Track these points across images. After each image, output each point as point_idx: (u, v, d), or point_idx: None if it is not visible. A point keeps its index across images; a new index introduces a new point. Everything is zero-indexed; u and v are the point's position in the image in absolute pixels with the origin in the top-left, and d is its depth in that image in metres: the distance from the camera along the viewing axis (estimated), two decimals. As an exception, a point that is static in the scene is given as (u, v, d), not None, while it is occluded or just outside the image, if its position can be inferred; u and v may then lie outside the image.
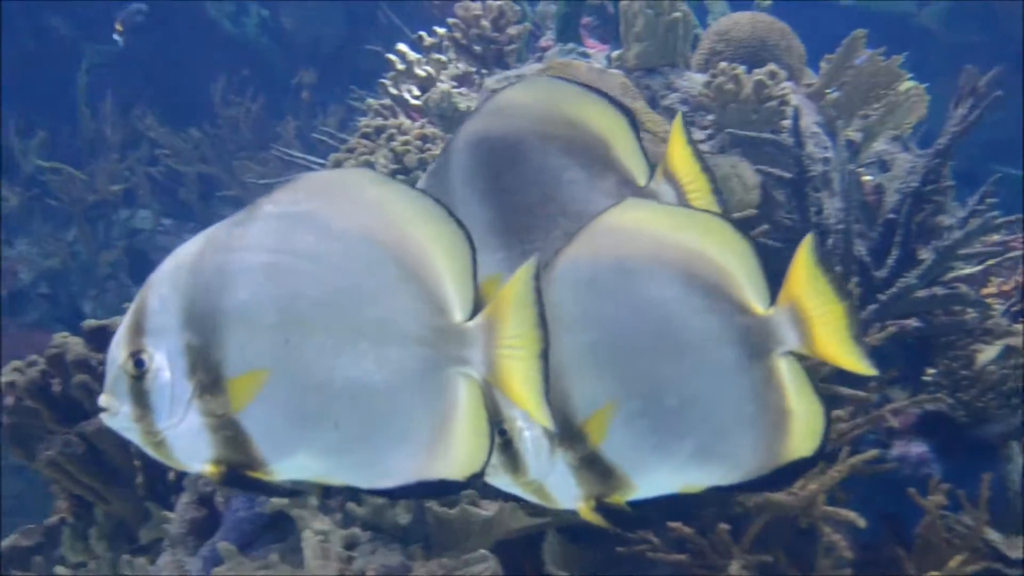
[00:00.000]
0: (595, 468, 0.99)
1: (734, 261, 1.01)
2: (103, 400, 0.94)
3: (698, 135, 1.94)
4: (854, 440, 1.64)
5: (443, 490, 0.96)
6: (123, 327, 0.93)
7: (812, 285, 1.00)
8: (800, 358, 1.01)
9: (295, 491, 0.98)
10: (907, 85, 2.05)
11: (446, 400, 0.95)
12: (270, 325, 0.92)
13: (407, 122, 1.83)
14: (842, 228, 1.76)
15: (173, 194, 4.24)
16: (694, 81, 2.00)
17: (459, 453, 0.95)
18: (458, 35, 2.14)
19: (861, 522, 1.54)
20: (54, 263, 4.14)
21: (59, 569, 2.16)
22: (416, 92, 2.11)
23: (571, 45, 2.19)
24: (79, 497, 1.99)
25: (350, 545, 1.68)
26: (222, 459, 0.94)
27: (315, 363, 0.93)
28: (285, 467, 0.95)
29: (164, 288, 0.93)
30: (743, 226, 1.05)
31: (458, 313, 0.95)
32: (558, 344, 0.96)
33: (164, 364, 0.93)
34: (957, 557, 1.57)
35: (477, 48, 2.14)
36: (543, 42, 2.32)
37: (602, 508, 1.00)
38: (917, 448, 1.80)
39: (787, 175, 1.83)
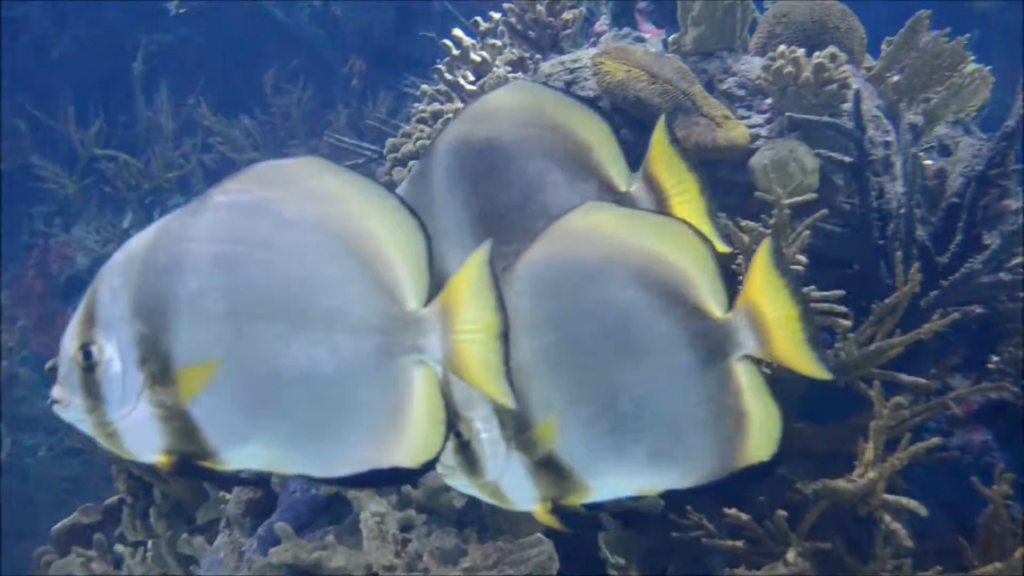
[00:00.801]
0: (551, 470, 0.99)
1: (692, 265, 1.01)
2: (55, 392, 0.94)
3: (756, 119, 1.91)
4: (915, 428, 1.61)
5: (396, 478, 0.97)
6: (74, 319, 0.94)
7: (769, 290, 1.00)
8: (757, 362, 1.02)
9: (246, 480, 0.98)
10: (971, 67, 2.00)
11: (400, 388, 0.95)
12: (221, 315, 0.92)
13: (461, 106, 1.83)
14: (904, 212, 1.73)
15: (226, 182, 4.28)
16: (752, 65, 1.98)
17: (413, 441, 0.95)
18: (513, 20, 2.13)
19: (922, 510, 1.51)
20: (110, 249, 4.19)
21: (119, 547, 2.19)
22: (471, 77, 2.11)
23: (626, 30, 2.17)
24: (138, 478, 2.02)
25: (405, 527, 1.69)
26: (173, 449, 0.94)
27: (266, 352, 0.92)
28: (237, 456, 0.95)
29: (115, 280, 0.93)
30: (701, 231, 1.03)
31: (412, 301, 0.95)
32: (516, 345, 0.96)
33: (115, 355, 0.93)
34: (1022, 549, 1.54)
35: (532, 33, 2.12)
36: (597, 27, 2.30)
37: (558, 510, 1.01)
38: (979, 436, 1.76)
39: (847, 159, 1.80)
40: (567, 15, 2.12)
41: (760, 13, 2.15)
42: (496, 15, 2.15)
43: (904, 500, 1.55)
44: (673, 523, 1.67)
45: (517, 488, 1.00)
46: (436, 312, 0.94)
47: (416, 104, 2.20)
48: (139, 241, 0.93)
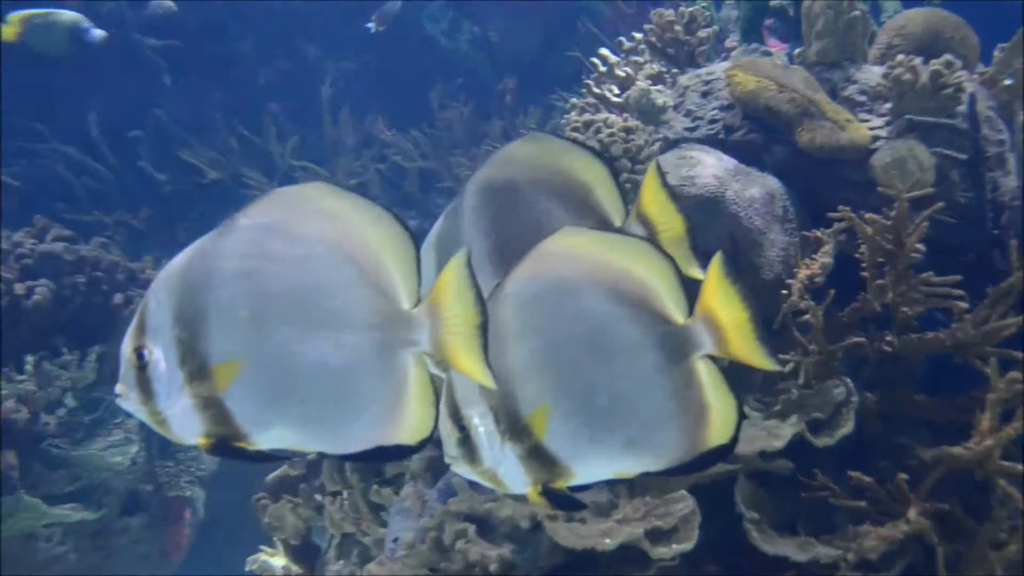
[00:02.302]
0: (539, 458, 1.02)
1: (656, 278, 1.04)
2: (118, 387, 1.00)
3: (876, 122, 1.86)
4: (1030, 400, 1.55)
5: (399, 454, 1.01)
6: (131, 327, 1.00)
7: (723, 296, 1.03)
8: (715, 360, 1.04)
9: (273, 457, 1.03)
10: (1082, 69, 1.90)
11: (398, 376, 0.99)
12: (244, 319, 0.97)
13: (612, 117, 1.84)
14: (1018, 205, 1.66)
15: (398, 187, 4.36)
16: (872, 73, 1.92)
17: (411, 421, 0.99)
18: (653, 39, 2.13)
19: (1036, 476, 1.46)
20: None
21: (319, 496, 2.29)
22: (616, 91, 2.11)
23: (754, 45, 2.14)
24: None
25: (564, 482, 1.71)
26: (211, 433, 0.99)
27: (283, 349, 0.97)
28: (264, 438, 1.00)
29: (161, 293, 0.98)
30: (663, 249, 1.07)
31: (405, 301, 0.99)
32: (506, 351, 1.01)
33: (161, 356, 0.98)
34: None
35: (670, 50, 2.12)
36: (728, 43, 2.28)
37: (548, 492, 1.04)
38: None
39: (962, 156, 1.74)
40: (702, 33, 2.11)
41: (878, 26, 2.08)
42: (639, 35, 2.15)
43: (1019, 466, 1.50)
44: (801, 483, 1.66)
45: (511, 475, 1.03)
46: (425, 310, 0.99)
47: (566, 115, 2.21)
48: (179, 260, 1.00)
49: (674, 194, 1.16)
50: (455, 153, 4.26)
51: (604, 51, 2.13)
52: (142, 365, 0.98)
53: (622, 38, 2.15)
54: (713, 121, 1.95)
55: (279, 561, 2.48)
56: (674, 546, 1.53)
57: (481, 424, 1.02)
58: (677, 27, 2.09)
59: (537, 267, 1.03)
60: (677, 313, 1.04)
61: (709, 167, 1.82)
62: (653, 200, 1.16)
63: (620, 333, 1.02)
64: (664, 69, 2.16)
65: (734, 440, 1.03)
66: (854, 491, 1.64)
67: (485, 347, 0.97)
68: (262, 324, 0.97)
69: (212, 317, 0.97)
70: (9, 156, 4.23)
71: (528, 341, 1.02)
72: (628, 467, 1.05)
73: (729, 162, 1.86)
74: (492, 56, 4.64)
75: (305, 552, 2.36)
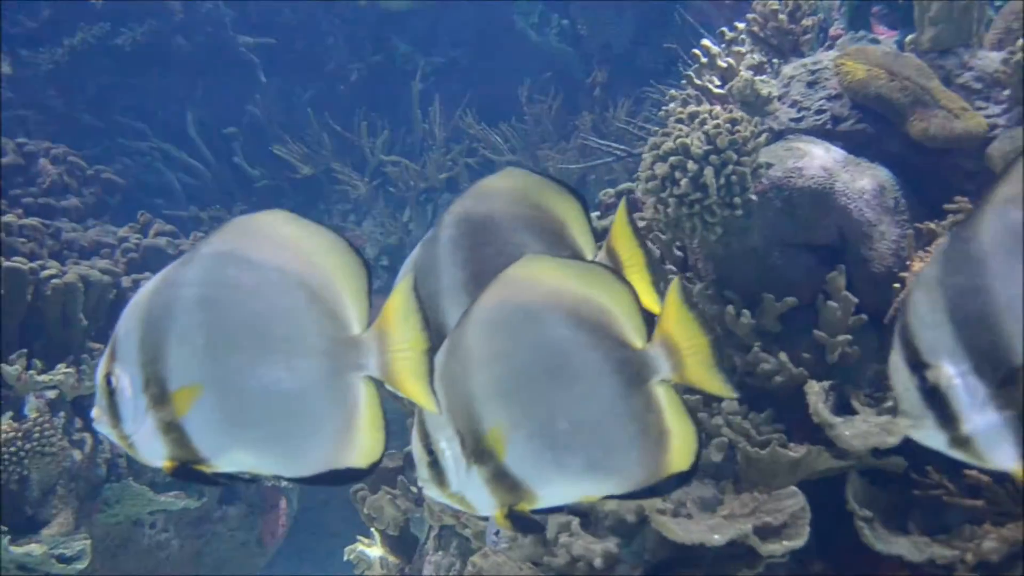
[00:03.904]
0: (504, 481, 1.04)
1: (616, 304, 1.05)
2: (93, 411, 1.05)
3: (994, 110, 1.81)
4: None
5: (350, 477, 1.02)
6: (104, 353, 1.05)
7: (681, 322, 1.04)
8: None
9: (235, 479, 1.07)
10: None
11: (348, 400, 1.01)
12: (201, 346, 1.00)
13: (717, 108, 1.82)
14: None
15: (488, 181, 4.39)
16: (989, 59, 1.87)
17: (362, 445, 1.01)
18: (755, 29, 2.10)
19: None
20: (393, 240, 4.40)
21: (414, 488, 2.32)
22: (717, 82, 2.09)
23: (862, 33, 2.10)
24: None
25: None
26: (175, 456, 1.03)
27: (237, 374, 1.00)
28: (224, 461, 1.03)
29: (130, 321, 1.03)
30: (623, 276, 1.10)
31: (356, 327, 1.02)
32: (470, 376, 1.03)
33: (127, 383, 1.02)
34: None
35: (774, 40, 2.09)
36: (832, 31, 2.23)
37: (511, 515, 1.05)
38: None
39: (1087, 144, 1.68)
40: (807, 21, 2.07)
41: (994, 12, 2.02)
42: (741, 25, 2.12)
43: None
44: (914, 481, 1.62)
45: (478, 497, 1.05)
46: (374, 335, 1.01)
47: (665, 107, 2.20)
48: (146, 288, 1.04)
49: (638, 231, 1.22)
50: (543, 147, 4.27)
51: (706, 42, 2.11)
52: (111, 391, 1.03)
53: (724, 28, 2.13)
54: (820, 111, 1.92)
55: (376, 552, 2.53)
56: (784, 543, 1.52)
57: (448, 448, 1.05)
58: (781, 16, 2.06)
59: (500, 294, 1.06)
60: (636, 338, 1.06)
61: (817, 158, 1.80)
62: (621, 236, 1.22)
63: (580, 357, 1.04)
64: (764, 59, 2.13)
65: (694, 467, 1.05)
66: (970, 489, 1.60)
67: (431, 372, 1.01)
68: (217, 350, 1.00)
69: (172, 344, 1.01)
70: (113, 154, 4.39)
71: (490, 366, 1.04)
72: (591, 490, 1.06)
73: (838, 153, 1.83)
74: (581, 49, 4.63)
75: (403, 543, 2.40)
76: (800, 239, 1.80)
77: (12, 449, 2.43)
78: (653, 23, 4.44)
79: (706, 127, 1.74)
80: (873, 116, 1.86)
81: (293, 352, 1.00)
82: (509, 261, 1.10)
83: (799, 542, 1.53)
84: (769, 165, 1.78)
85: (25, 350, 2.67)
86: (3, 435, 2.45)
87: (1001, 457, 0.88)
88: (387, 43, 4.82)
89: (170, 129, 4.62)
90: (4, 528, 2.35)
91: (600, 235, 1.28)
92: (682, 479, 1.05)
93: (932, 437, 0.91)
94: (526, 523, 1.07)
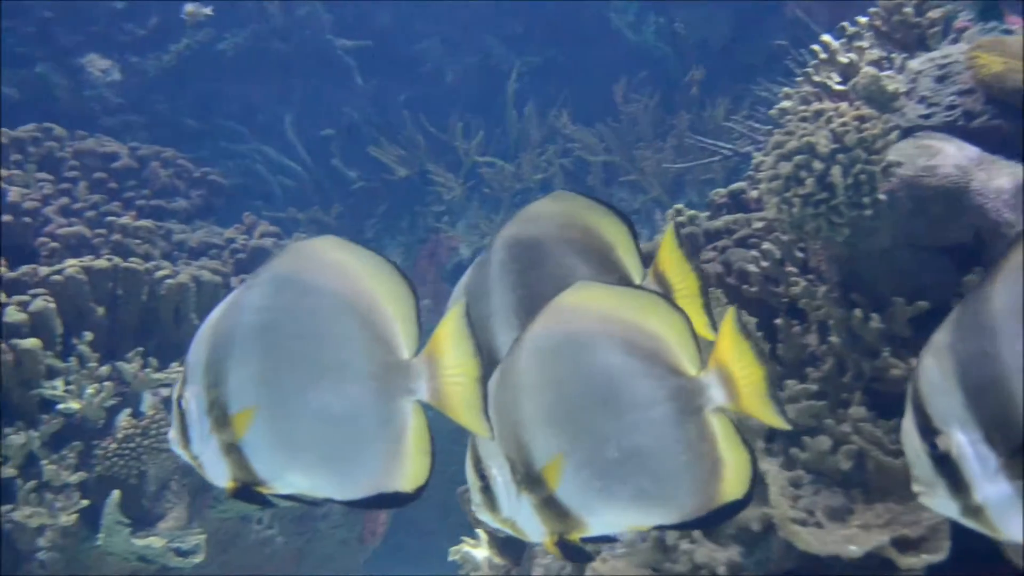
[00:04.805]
0: (553, 509, 1.04)
1: (669, 331, 1.04)
2: (170, 433, 1.10)
3: None
4: None
5: (397, 501, 1.04)
6: (180, 376, 1.08)
7: (736, 351, 1.03)
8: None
9: (293, 499, 1.10)
10: None
11: (396, 425, 1.02)
12: (257, 370, 1.03)
13: (843, 105, 1.77)
14: None
15: (582, 181, 4.38)
16: None
17: (409, 469, 1.03)
18: (878, 22, 2.04)
19: None
20: (487, 241, 4.40)
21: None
22: (837, 78, 2.03)
23: (992, 23, 2.01)
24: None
25: (795, 485, 1.67)
26: (236, 478, 1.06)
27: (290, 399, 1.03)
28: (281, 484, 1.06)
29: (198, 345, 1.07)
30: (676, 303, 1.08)
31: (405, 351, 1.03)
32: (521, 404, 1.03)
33: (195, 406, 1.06)
34: None
35: (898, 34, 2.02)
36: (958, 23, 2.15)
37: (560, 543, 1.06)
38: None
39: None
40: (933, 14, 2.01)
41: None
42: (863, 19, 2.06)
43: None
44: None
45: (529, 524, 1.06)
46: (424, 360, 1.03)
47: (778, 105, 2.15)
48: (214, 314, 1.08)
49: (689, 253, 1.20)
50: (639, 147, 4.23)
51: (826, 37, 2.06)
52: (182, 413, 1.08)
53: (845, 23, 2.07)
54: (951, 107, 1.85)
55: (482, 553, 2.53)
56: (923, 556, 1.47)
57: (499, 474, 1.05)
58: (906, 8, 2.00)
59: (552, 321, 1.06)
60: (690, 366, 1.05)
61: (950, 156, 1.74)
62: (669, 258, 1.20)
63: (632, 386, 1.04)
64: (885, 54, 2.06)
65: (748, 496, 1.03)
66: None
67: (484, 398, 1.01)
68: (272, 375, 1.04)
69: (232, 368, 1.05)
70: (217, 157, 4.50)
71: (542, 394, 1.04)
72: (640, 519, 1.06)
73: (971, 150, 1.76)
74: (678, 47, 4.58)
75: (511, 544, 2.40)
76: (932, 240, 1.74)
77: (131, 445, 2.50)
78: (751, 20, 4.37)
79: (832, 125, 1.70)
80: (1010, 112, 1.79)
81: (344, 377, 1.03)
82: (558, 284, 1.11)
83: (939, 556, 1.47)
84: (899, 164, 1.72)
85: (141, 348, 2.74)
86: (123, 431, 2.52)
87: (1014, 529, 0.85)
88: (482, 43, 4.83)
89: (269, 132, 4.71)
90: (127, 520, 2.42)
91: (647, 259, 1.27)
92: (735, 508, 1.04)
93: (944, 505, 0.90)
94: (576, 552, 1.07)
